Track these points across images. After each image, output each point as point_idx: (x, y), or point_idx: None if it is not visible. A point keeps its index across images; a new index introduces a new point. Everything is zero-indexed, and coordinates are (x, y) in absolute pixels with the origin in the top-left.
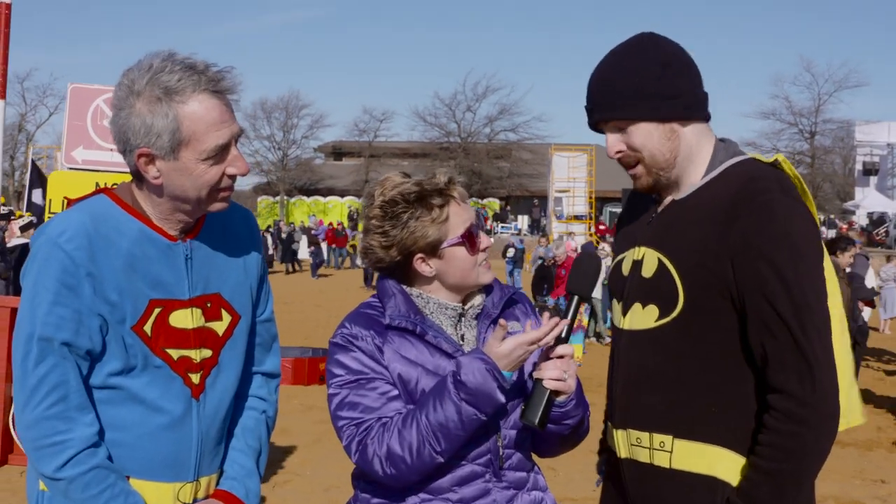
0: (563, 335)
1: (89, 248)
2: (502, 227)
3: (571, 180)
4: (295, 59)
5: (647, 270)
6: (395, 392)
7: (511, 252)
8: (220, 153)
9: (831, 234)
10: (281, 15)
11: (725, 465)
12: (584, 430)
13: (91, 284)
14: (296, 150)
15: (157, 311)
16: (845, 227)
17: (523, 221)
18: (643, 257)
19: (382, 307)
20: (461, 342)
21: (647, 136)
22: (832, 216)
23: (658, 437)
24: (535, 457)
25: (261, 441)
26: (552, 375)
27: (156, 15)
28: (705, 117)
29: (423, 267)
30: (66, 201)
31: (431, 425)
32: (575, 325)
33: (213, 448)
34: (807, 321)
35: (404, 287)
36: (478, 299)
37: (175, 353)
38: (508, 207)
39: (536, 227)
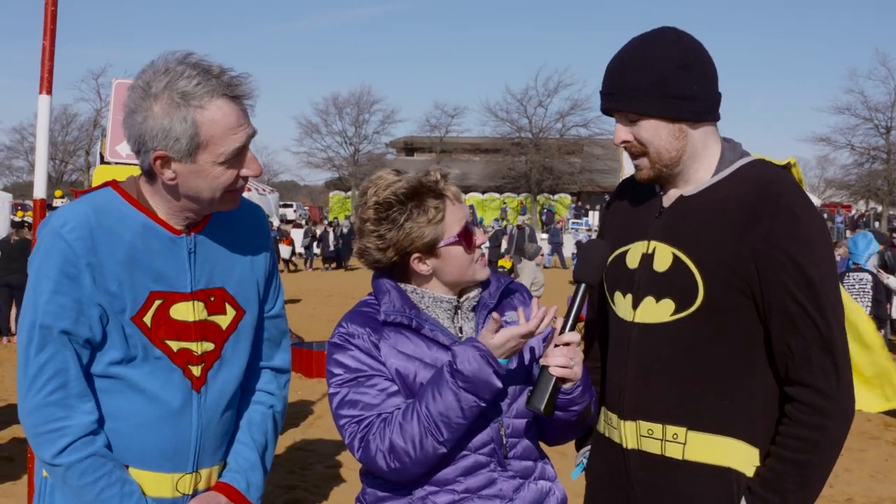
0: (571, 323)
1: (90, 239)
2: (573, 222)
3: None
4: (367, 55)
5: (661, 265)
6: (395, 388)
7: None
8: (237, 156)
9: None
10: (354, 11)
11: (739, 456)
12: (592, 417)
13: (91, 274)
14: (367, 145)
15: (157, 302)
16: None
17: (594, 217)
18: (654, 251)
19: (378, 304)
20: (459, 334)
21: (655, 132)
22: None
23: (671, 429)
24: (544, 447)
25: (266, 436)
26: (558, 363)
27: (230, 12)
28: (716, 119)
29: (421, 266)
30: (73, 194)
31: (432, 415)
32: None
33: (215, 440)
34: (831, 319)
35: (399, 284)
36: (474, 291)
37: (175, 345)
38: (580, 203)
39: None
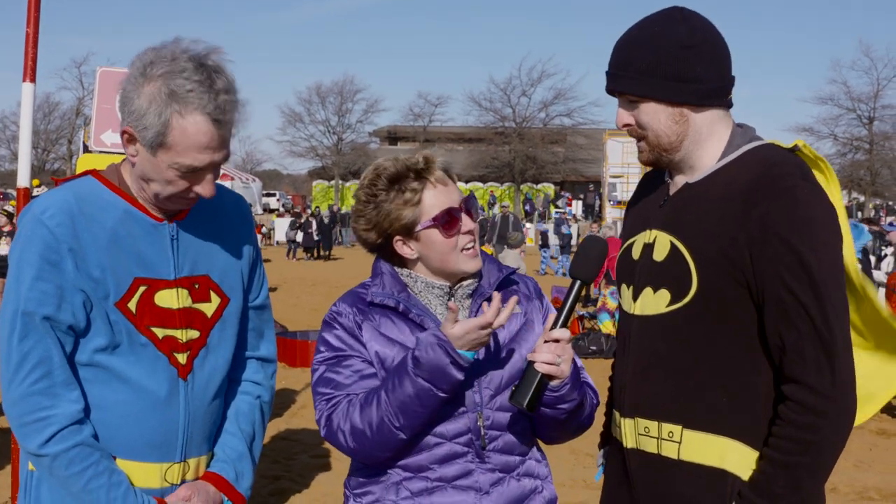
0: (563, 319)
1: (72, 225)
2: (556, 211)
3: (626, 165)
4: (351, 44)
5: (659, 254)
6: (370, 370)
7: (555, 239)
8: (193, 172)
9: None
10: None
11: (736, 457)
12: (587, 417)
13: (73, 260)
14: (351, 134)
15: (141, 289)
16: None
17: (577, 206)
18: (655, 240)
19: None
20: None
21: (654, 115)
22: (891, 202)
23: (667, 427)
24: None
25: (254, 426)
26: (544, 359)
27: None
28: (725, 104)
29: (405, 249)
30: (54, 182)
31: (390, 401)
32: (599, 306)
33: (203, 430)
34: (829, 311)
35: (396, 268)
36: (470, 279)
37: (160, 332)
38: (563, 192)
39: (590, 213)
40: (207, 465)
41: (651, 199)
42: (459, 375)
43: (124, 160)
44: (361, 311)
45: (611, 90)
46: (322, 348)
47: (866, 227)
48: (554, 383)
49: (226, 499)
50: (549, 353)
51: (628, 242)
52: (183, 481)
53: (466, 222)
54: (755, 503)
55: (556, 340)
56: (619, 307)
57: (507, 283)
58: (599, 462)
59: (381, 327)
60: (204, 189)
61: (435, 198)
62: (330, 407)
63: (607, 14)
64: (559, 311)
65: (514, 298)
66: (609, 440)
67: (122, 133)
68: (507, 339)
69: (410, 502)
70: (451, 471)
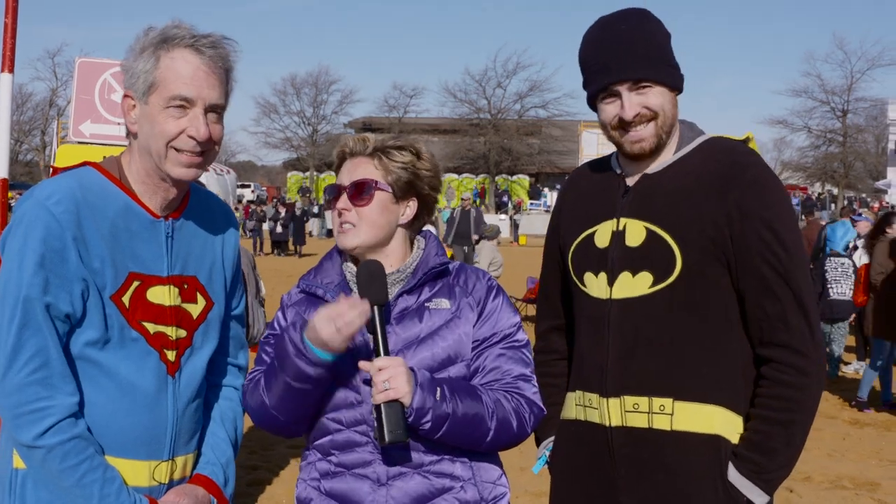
0: (382, 348)
1: (76, 213)
2: (532, 203)
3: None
4: (326, 36)
5: (634, 240)
6: None
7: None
8: (183, 107)
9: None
10: None
11: (724, 423)
12: (517, 427)
13: (76, 248)
14: (326, 125)
15: (135, 284)
16: (876, 206)
17: (552, 198)
18: (625, 228)
19: None
20: None
21: (664, 98)
22: (864, 195)
23: (658, 401)
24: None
25: (237, 431)
26: (375, 390)
27: None
28: None
29: None
30: (51, 170)
31: (267, 382)
32: None
33: (189, 428)
34: (804, 281)
35: (343, 256)
36: (398, 268)
37: (152, 328)
38: (538, 184)
39: None
40: (193, 465)
41: (603, 191)
42: (301, 365)
43: (123, 153)
44: (297, 295)
45: (620, 80)
46: (267, 329)
47: (850, 224)
48: (409, 405)
49: (214, 501)
50: (378, 384)
51: (588, 232)
52: (171, 480)
53: (342, 202)
54: (754, 460)
55: (381, 369)
56: (580, 295)
57: (442, 274)
58: (540, 454)
59: (307, 313)
60: (195, 127)
61: (342, 174)
62: (247, 382)
63: (583, 5)
64: (374, 341)
65: (357, 302)
66: (552, 432)
67: (123, 101)
68: (421, 333)
69: (316, 483)
70: (351, 458)
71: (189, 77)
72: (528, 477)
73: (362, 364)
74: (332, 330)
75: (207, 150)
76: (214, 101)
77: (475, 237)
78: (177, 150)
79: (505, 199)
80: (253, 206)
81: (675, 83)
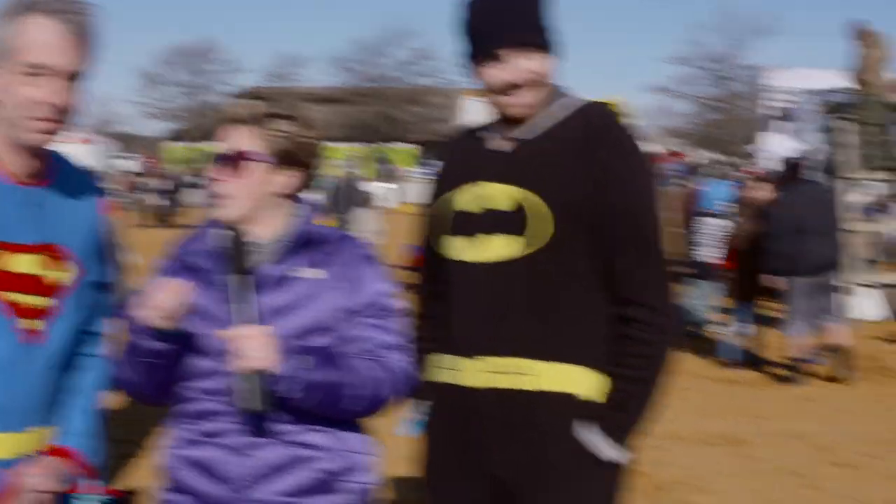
0: (238, 317)
1: None
2: (417, 171)
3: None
4: (210, 4)
5: (503, 204)
6: None
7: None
8: (39, 74)
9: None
10: None
11: (590, 382)
12: (351, 398)
13: None
14: (211, 95)
15: None
16: (746, 169)
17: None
18: (493, 192)
19: None
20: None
21: (546, 63)
22: (736, 159)
23: (525, 363)
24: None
25: (101, 402)
26: (234, 359)
27: None
28: None
29: None
30: None
31: (126, 354)
32: None
33: (46, 399)
34: (660, 238)
35: None
36: (265, 235)
37: (9, 297)
38: (425, 151)
39: None
40: (52, 439)
41: (474, 155)
42: (142, 341)
43: None
44: (167, 263)
45: (503, 46)
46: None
47: (728, 185)
48: (270, 374)
49: (77, 474)
50: (238, 352)
51: (456, 197)
52: (27, 453)
53: (218, 173)
54: (614, 417)
55: (240, 338)
56: (449, 260)
57: (313, 243)
58: (416, 417)
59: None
60: (58, 96)
61: (220, 143)
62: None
63: None
64: (236, 311)
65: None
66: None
67: None
68: (288, 302)
69: (177, 451)
70: (211, 427)
71: (44, 43)
72: (402, 443)
73: (221, 333)
74: (148, 312)
75: (63, 117)
76: (71, 68)
77: (355, 206)
78: (31, 116)
79: (391, 167)
80: (136, 178)
81: (556, 49)
